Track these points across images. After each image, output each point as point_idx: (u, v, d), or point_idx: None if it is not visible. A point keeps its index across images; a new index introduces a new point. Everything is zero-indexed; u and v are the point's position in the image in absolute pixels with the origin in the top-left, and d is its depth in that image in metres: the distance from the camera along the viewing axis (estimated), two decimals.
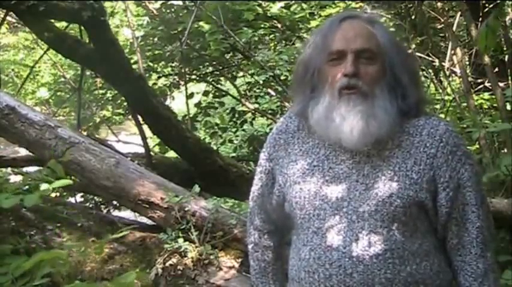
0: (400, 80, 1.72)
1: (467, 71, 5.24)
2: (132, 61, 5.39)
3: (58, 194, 4.84)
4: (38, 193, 2.82)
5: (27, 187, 3.13)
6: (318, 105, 1.73)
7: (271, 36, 6.99)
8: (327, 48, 1.73)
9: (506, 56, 4.71)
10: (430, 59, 5.36)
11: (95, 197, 4.84)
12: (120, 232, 2.76)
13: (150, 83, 6.60)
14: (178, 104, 7.62)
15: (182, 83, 6.91)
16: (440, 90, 5.38)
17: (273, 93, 6.97)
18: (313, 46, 1.78)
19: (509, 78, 4.62)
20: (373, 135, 1.68)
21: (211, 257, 3.62)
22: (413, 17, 5.60)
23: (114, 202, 4.72)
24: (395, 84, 1.72)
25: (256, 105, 7.07)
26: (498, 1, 4.68)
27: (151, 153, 5.26)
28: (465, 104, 4.71)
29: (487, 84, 4.90)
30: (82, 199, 4.96)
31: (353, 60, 1.69)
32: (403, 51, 1.83)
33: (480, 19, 4.64)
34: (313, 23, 6.23)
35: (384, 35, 1.75)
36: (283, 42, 6.86)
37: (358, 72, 1.69)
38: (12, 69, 9.92)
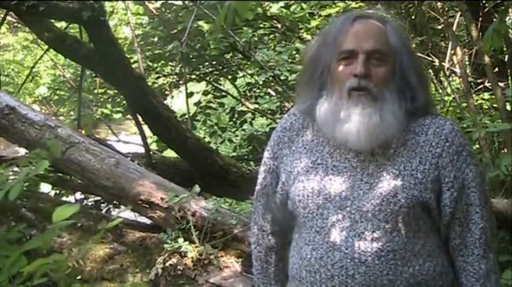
0: (410, 81, 1.72)
1: (467, 71, 5.23)
2: (132, 61, 5.39)
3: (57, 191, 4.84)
4: (21, 182, 2.79)
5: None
6: (325, 104, 1.72)
7: (271, 36, 6.99)
8: (338, 47, 1.71)
9: (506, 56, 4.70)
10: (430, 59, 5.35)
11: (95, 197, 4.83)
12: (112, 221, 2.76)
13: (150, 82, 6.60)
14: (178, 103, 7.63)
15: (182, 82, 6.91)
16: (440, 90, 5.37)
17: (273, 93, 6.97)
18: (324, 44, 1.76)
19: (509, 78, 4.61)
20: (379, 137, 1.68)
21: (211, 257, 3.62)
22: (413, 17, 5.60)
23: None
24: (405, 85, 1.71)
25: (256, 106, 7.07)
26: (498, 1, 4.68)
27: (151, 153, 5.26)
28: (465, 104, 4.70)
29: (487, 84, 4.89)
30: (82, 197, 4.95)
31: (364, 61, 1.68)
32: (413, 52, 1.83)
33: (480, 19, 4.64)
34: (313, 23, 6.23)
35: (396, 36, 1.74)
36: (283, 42, 6.86)
37: (369, 73, 1.68)
38: (12, 69, 9.93)
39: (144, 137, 5.13)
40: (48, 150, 2.90)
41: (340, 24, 1.76)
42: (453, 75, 5.55)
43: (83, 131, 4.90)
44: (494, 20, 2.43)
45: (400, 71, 1.72)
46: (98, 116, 7.28)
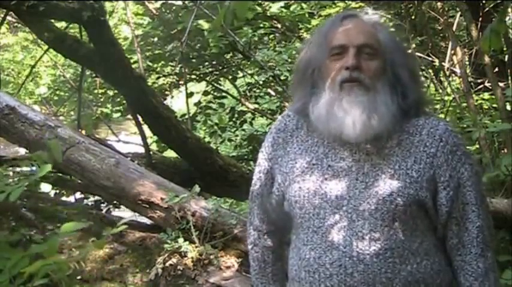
0: (401, 78, 1.73)
1: (467, 71, 5.24)
2: (132, 61, 5.39)
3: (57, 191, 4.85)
4: (22, 184, 2.80)
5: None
6: (318, 100, 1.73)
7: (271, 36, 6.99)
8: (328, 44, 1.73)
9: (506, 56, 4.70)
10: (430, 59, 5.35)
11: (95, 197, 4.84)
12: (118, 227, 2.76)
13: (150, 83, 6.61)
14: (178, 103, 7.63)
15: (182, 82, 6.91)
16: (440, 90, 5.37)
17: (273, 93, 6.97)
18: (314, 43, 1.79)
19: (509, 78, 4.61)
20: (374, 128, 1.68)
21: (211, 257, 3.62)
22: (413, 17, 5.60)
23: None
24: (396, 82, 1.72)
25: (256, 106, 7.07)
26: (498, 1, 4.68)
27: (151, 153, 5.26)
28: (465, 104, 4.70)
29: (487, 84, 4.89)
30: (82, 197, 4.95)
31: (355, 54, 1.70)
32: (404, 51, 1.84)
33: (480, 19, 4.64)
34: (313, 23, 6.23)
35: (385, 34, 1.76)
36: (283, 42, 6.86)
37: (360, 65, 1.69)
38: (12, 69, 9.93)
39: (144, 137, 5.14)
40: (50, 151, 2.89)
41: (330, 23, 1.79)
42: (453, 75, 5.55)
43: (83, 131, 4.90)
44: (494, 20, 2.43)
45: (391, 68, 1.73)
46: (97, 116, 7.27)
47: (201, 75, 7.08)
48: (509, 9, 4.93)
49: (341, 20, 1.76)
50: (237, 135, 7.42)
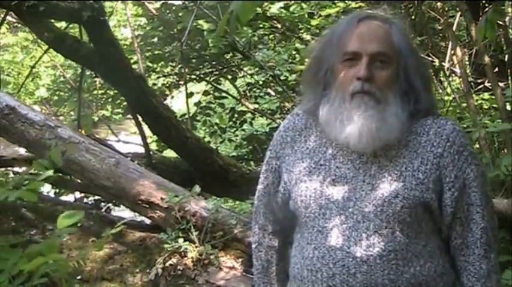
0: (414, 85, 1.71)
1: (467, 71, 5.24)
2: (132, 61, 5.39)
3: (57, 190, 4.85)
4: (33, 185, 2.79)
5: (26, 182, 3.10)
6: (328, 105, 1.72)
7: (271, 36, 6.99)
8: (342, 47, 1.71)
9: (506, 56, 4.70)
10: (430, 59, 5.35)
11: (95, 197, 4.84)
12: (118, 227, 2.76)
13: (150, 83, 6.61)
14: (178, 103, 7.63)
15: (182, 83, 6.92)
16: (440, 90, 5.37)
17: (273, 93, 6.98)
18: (328, 44, 1.76)
19: (509, 78, 4.61)
20: (382, 140, 1.67)
21: (211, 257, 3.62)
22: (413, 17, 5.60)
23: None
24: (409, 89, 1.71)
25: (256, 106, 7.08)
26: (498, 1, 4.68)
27: (151, 153, 5.26)
28: (465, 104, 4.70)
29: (487, 84, 4.89)
30: (82, 196, 4.95)
31: (367, 64, 1.67)
32: (417, 54, 1.81)
33: (480, 19, 4.64)
34: (313, 23, 6.23)
35: (401, 38, 1.73)
36: (283, 42, 6.86)
37: (372, 76, 1.67)
38: (12, 69, 9.94)
39: (144, 137, 5.14)
40: (50, 159, 2.89)
41: (345, 24, 1.75)
42: (453, 75, 5.55)
43: (83, 131, 4.90)
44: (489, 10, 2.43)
45: (404, 74, 1.71)
46: (98, 118, 7.28)
47: (201, 75, 7.09)
48: (510, 9, 4.95)
49: (357, 22, 1.73)
50: (237, 135, 7.42)
